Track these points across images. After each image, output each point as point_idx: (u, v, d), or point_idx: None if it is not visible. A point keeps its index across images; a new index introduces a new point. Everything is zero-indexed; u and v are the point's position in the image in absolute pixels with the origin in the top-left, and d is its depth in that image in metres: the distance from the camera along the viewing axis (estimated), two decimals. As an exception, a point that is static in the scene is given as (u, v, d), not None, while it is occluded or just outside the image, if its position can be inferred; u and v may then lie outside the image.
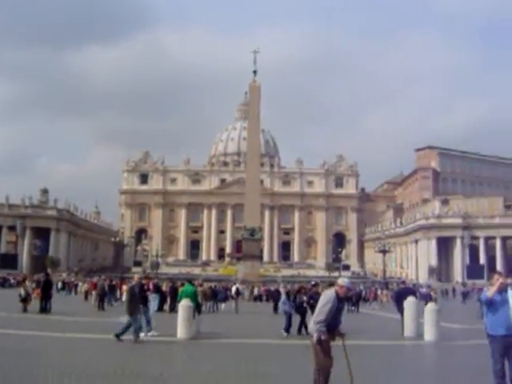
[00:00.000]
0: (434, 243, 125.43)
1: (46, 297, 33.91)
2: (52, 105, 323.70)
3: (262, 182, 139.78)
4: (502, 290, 11.77)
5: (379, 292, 64.50)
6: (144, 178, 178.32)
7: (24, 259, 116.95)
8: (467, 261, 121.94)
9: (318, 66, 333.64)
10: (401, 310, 25.47)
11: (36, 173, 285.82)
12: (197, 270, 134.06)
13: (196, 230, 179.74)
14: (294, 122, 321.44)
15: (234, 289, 51.43)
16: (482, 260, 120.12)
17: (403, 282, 40.01)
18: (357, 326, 28.23)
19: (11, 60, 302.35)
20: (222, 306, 46.07)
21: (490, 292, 11.80)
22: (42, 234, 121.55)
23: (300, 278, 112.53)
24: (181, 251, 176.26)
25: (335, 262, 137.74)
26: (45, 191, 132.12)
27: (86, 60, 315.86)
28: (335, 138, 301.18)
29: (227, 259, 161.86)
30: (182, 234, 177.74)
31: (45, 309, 33.43)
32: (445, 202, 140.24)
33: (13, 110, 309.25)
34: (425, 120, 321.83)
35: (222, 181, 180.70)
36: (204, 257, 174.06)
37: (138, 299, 21.49)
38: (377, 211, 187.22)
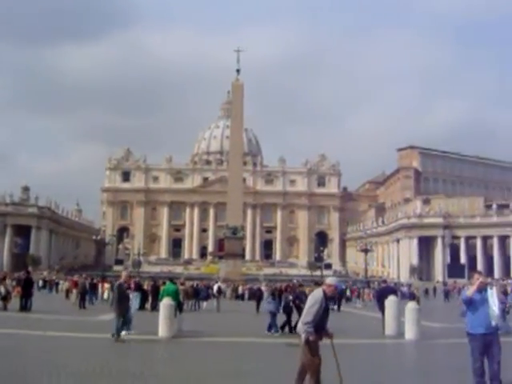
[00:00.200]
0: (415, 242, 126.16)
1: (26, 295, 33.66)
2: (33, 102, 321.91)
3: (244, 180, 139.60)
4: (482, 289, 11.88)
5: (363, 291, 64.78)
6: (126, 176, 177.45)
7: (4, 257, 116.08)
8: (448, 260, 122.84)
9: (301, 65, 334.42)
10: (382, 308, 25.59)
11: (17, 170, 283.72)
12: (179, 269, 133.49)
13: (178, 228, 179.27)
14: (277, 121, 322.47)
15: (215, 287, 51.40)
16: (463, 259, 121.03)
17: (384, 281, 40.26)
18: (338, 324, 28.26)
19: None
20: (204, 304, 46.04)
21: (469, 291, 11.90)
22: (22, 231, 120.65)
23: (282, 276, 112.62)
24: (163, 250, 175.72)
25: (317, 261, 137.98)
26: (26, 189, 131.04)
27: (69, 57, 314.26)
28: (318, 137, 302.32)
29: (209, 258, 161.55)
30: (164, 232, 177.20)
31: (25, 307, 33.18)
32: (426, 202, 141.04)
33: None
34: (407, 120, 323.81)
35: (205, 179, 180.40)
36: (186, 255, 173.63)
37: (127, 297, 21.43)
38: (359, 210, 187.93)
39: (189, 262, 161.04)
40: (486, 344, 11.67)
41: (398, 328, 24.15)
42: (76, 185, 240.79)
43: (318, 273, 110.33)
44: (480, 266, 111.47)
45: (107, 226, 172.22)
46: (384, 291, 27.63)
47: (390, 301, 24.88)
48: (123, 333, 21.82)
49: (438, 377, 14.38)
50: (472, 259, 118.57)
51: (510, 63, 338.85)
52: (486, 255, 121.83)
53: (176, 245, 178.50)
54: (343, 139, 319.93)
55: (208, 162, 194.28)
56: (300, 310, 24.13)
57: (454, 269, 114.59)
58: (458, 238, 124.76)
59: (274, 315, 25.16)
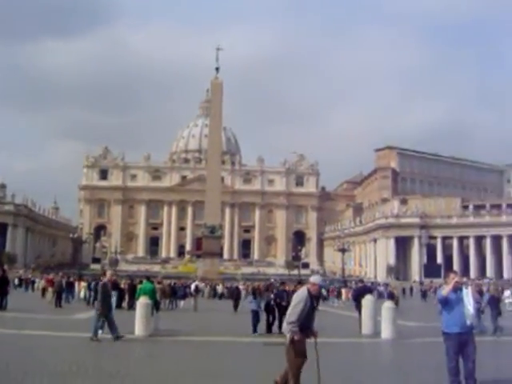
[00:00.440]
0: (392, 242, 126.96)
1: (1, 293, 33.28)
2: (8, 99, 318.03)
3: (222, 179, 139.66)
4: (457, 288, 11.96)
5: (343, 290, 64.99)
6: (104, 174, 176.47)
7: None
8: (425, 260, 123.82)
9: (281, 65, 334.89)
10: (359, 308, 25.72)
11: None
12: (156, 268, 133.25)
13: (156, 226, 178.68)
14: (256, 120, 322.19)
15: (193, 286, 51.32)
16: (439, 259, 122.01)
17: (361, 281, 40.39)
18: (315, 323, 28.35)
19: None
20: (181, 303, 45.95)
21: (444, 291, 11.97)
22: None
23: (260, 275, 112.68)
24: (140, 248, 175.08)
25: (295, 260, 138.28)
26: (2, 186, 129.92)
27: (46, 54, 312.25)
28: (297, 136, 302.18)
29: (187, 256, 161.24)
30: (141, 230, 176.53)
31: (0, 306, 32.85)
32: (403, 202, 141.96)
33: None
34: (385, 120, 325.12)
35: (183, 178, 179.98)
36: (164, 254, 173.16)
37: (110, 297, 21.30)
38: (336, 210, 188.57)
39: (166, 260, 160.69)
40: (461, 343, 11.74)
41: (375, 327, 24.27)
42: (54, 183, 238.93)
43: (295, 272, 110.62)
44: (456, 265, 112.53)
45: (84, 224, 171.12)
46: (361, 291, 27.79)
47: (367, 300, 25.01)
48: (100, 331, 21.68)
49: (413, 375, 14.46)
50: (448, 259, 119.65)
51: (488, 64, 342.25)
52: (462, 255, 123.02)
53: (153, 243, 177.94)
54: (322, 139, 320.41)
55: (186, 161, 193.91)
56: (281, 309, 24.18)
57: (431, 268, 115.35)
58: (434, 238, 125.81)
59: (256, 314, 25.05)
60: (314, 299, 10.86)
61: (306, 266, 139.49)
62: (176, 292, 45.72)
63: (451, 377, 11.84)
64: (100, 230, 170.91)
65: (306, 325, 10.53)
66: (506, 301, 48.39)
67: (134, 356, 17.81)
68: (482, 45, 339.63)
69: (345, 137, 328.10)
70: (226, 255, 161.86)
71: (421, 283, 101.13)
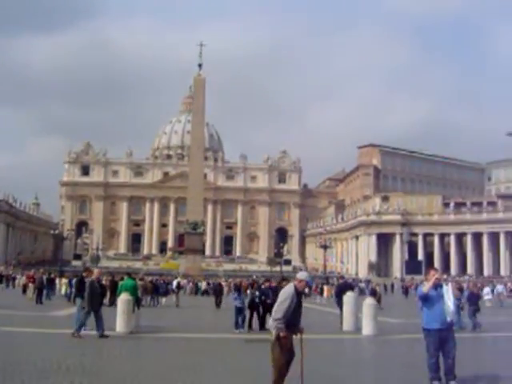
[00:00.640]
0: (374, 239, 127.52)
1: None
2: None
3: (205, 176, 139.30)
4: (438, 285, 12.04)
5: (325, 287, 65.10)
6: (85, 170, 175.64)
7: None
8: (406, 257, 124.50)
9: (264, 62, 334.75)
10: (340, 304, 25.79)
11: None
12: (138, 264, 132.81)
13: (138, 223, 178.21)
14: (239, 117, 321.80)
15: (175, 283, 51.22)
16: (420, 256, 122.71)
17: (342, 277, 40.49)
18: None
19: None
20: (163, 300, 45.81)
21: (425, 287, 12.06)
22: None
23: (242, 272, 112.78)
24: (122, 245, 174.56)
25: (277, 257, 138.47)
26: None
27: (27, 49, 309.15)
28: (280, 133, 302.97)
29: (169, 253, 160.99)
30: (123, 227, 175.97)
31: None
32: (385, 199, 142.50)
33: None
34: (368, 118, 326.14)
35: (165, 174, 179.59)
36: (146, 250, 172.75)
37: (99, 293, 21.15)
38: (319, 207, 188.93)
39: (148, 257, 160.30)
40: (441, 339, 11.83)
41: (356, 323, 24.35)
42: (35, 179, 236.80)
43: (277, 268, 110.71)
44: (437, 262, 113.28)
45: (66, 220, 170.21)
46: (342, 287, 27.87)
47: (348, 297, 25.09)
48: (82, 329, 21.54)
49: (394, 371, 14.54)
50: (429, 256, 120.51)
51: (469, 64, 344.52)
52: (443, 252, 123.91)
53: (135, 240, 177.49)
54: (305, 136, 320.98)
55: (169, 157, 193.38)
56: (266, 306, 24.16)
57: (412, 265, 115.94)
58: (415, 235, 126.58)
59: (240, 311, 24.91)
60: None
61: (288, 262, 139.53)
62: (158, 289, 45.57)
63: (431, 373, 11.92)
64: (81, 227, 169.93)
65: (292, 322, 10.49)
66: (486, 298, 48.80)
67: (114, 353, 17.72)
68: (463, 45, 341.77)
69: (327, 134, 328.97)
70: (208, 252, 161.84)
71: (402, 280, 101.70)
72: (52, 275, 52.96)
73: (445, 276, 74.96)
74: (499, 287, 55.18)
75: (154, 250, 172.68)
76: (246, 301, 25.86)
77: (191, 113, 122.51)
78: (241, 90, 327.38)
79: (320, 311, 40.67)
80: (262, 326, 24.26)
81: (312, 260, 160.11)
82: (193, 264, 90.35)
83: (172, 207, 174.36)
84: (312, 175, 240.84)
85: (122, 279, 32.99)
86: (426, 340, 12.08)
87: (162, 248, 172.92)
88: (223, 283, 57.30)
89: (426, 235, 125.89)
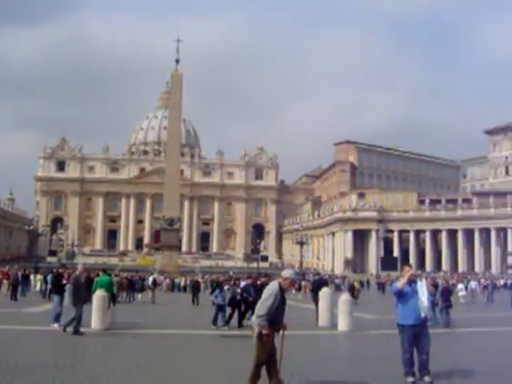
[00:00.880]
0: (350, 235, 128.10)
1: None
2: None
3: (182, 172, 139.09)
4: (412, 281, 12.13)
5: (302, 283, 65.28)
6: (61, 166, 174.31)
7: None
8: (381, 253, 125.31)
9: (242, 59, 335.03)
10: (316, 300, 25.88)
11: None
12: (114, 260, 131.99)
13: (114, 219, 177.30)
14: (217, 113, 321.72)
15: (151, 279, 51.04)
16: (396, 252, 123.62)
17: (318, 274, 40.68)
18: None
19: None
20: (139, 296, 45.65)
21: (399, 283, 12.15)
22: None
23: (218, 268, 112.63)
24: (98, 241, 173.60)
25: (253, 253, 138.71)
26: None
27: (2, 42, 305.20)
28: (257, 130, 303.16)
29: (145, 249, 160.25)
30: (99, 223, 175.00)
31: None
32: (361, 196, 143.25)
33: None
34: (344, 115, 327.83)
35: (142, 170, 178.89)
36: (122, 247, 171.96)
37: (84, 289, 21.01)
38: (295, 203, 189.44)
39: (124, 253, 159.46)
40: (415, 335, 11.93)
41: (332, 319, 24.44)
42: (9, 174, 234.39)
43: (254, 265, 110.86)
44: (412, 259, 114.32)
45: (41, 216, 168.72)
46: (318, 283, 27.99)
47: (324, 293, 25.18)
48: (56, 325, 21.39)
49: (368, 366, 14.62)
50: (405, 252, 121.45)
51: (445, 61, 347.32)
52: (419, 249, 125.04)
53: (111, 236, 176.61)
54: (282, 132, 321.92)
55: (145, 153, 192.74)
56: (247, 303, 24.13)
57: (387, 262, 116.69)
58: (391, 231, 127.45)
59: (221, 308, 24.74)
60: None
61: (264, 259, 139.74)
62: (134, 285, 45.42)
63: (406, 368, 12.02)
64: (57, 223, 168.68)
65: (275, 319, 10.50)
66: (460, 294, 49.25)
67: (89, 349, 17.61)
68: (438, 42, 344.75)
69: (304, 130, 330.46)
70: (184, 248, 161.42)
71: (377, 276, 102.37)
72: (27, 271, 52.57)
73: (419, 272, 75.60)
74: (473, 283, 55.64)
75: (130, 247, 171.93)
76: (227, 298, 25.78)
77: (168, 108, 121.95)
78: (218, 87, 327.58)
79: (297, 307, 40.75)
80: (241, 323, 24.25)
81: (289, 256, 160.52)
82: (169, 260, 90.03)
83: (148, 203, 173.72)
84: (289, 172, 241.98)
85: (97, 275, 32.78)
86: (400, 335, 12.18)
87: (138, 244, 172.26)
88: (200, 280, 57.20)
89: (401, 232, 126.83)
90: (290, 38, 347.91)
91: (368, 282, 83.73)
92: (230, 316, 24.78)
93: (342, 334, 22.55)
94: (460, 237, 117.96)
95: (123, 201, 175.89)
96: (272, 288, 10.62)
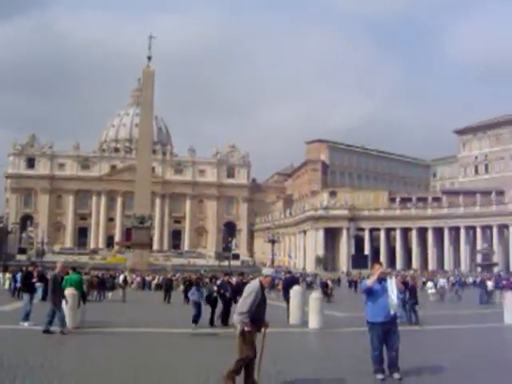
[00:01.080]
0: (321, 234, 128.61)
1: None
2: None
3: (153, 169, 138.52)
4: (382, 279, 12.23)
5: (276, 281, 65.36)
6: (31, 163, 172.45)
7: None
8: (352, 251, 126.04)
9: (216, 57, 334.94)
10: (287, 298, 25.96)
11: None
12: (84, 258, 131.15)
13: (84, 217, 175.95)
14: (190, 110, 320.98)
15: (121, 277, 50.78)
16: (367, 250, 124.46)
17: (289, 272, 40.79)
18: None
19: None
20: (110, 294, 45.37)
21: (369, 281, 12.25)
22: None
23: (190, 267, 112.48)
24: (68, 239, 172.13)
25: (225, 251, 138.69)
26: None
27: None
28: (229, 128, 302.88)
29: (116, 247, 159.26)
30: (69, 221, 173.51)
31: None
32: (333, 194, 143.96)
33: None
34: (316, 114, 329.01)
35: (113, 167, 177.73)
36: (92, 245, 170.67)
37: (62, 288, 20.76)
38: (267, 202, 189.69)
39: (95, 251, 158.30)
40: (384, 332, 12.03)
41: (302, 317, 24.54)
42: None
43: (225, 263, 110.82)
44: (383, 257, 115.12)
45: (10, 213, 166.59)
46: (289, 281, 28.10)
47: (295, 291, 25.26)
48: (26, 324, 21.18)
49: (339, 363, 14.71)
50: (376, 250, 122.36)
51: (417, 62, 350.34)
52: (389, 247, 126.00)
53: (82, 234, 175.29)
54: (254, 131, 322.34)
55: (116, 150, 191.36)
56: (225, 300, 24.13)
57: (358, 260, 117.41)
58: (362, 229, 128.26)
59: (198, 306, 24.64)
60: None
61: (236, 257, 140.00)
62: (104, 283, 45.14)
63: (375, 365, 12.13)
64: (26, 220, 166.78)
65: (257, 316, 10.58)
66: (429, 291, 49.83)
67: (58, 349, 17.45)
68: (411, 44, 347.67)
69: (276, 129, 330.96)
70: (155, 246, 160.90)
71: (348, 274, 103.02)
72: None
73: (389, 270, 76.22)
74: (441, 281, 56.37)
75: (101, 245, 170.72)
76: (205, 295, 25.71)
77: (140, 106, 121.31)
78: (192, 84, 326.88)
79: (269, 305, 40.83)
80: (212, 321, 24.24)
81: (260, 254, 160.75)
82: (140, 258, 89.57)
83: (119, 201, 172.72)
84: (261, 170, 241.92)
85: (67, 274, 32.47)
86: (370, 333, 12.28)
87: (109, 242, 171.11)
88: (174, 278, 57.12)
89: (372, 230, 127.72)
90: (266, 37, 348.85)
91: (339, 279, 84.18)
92: (212, 314, 24.67)
93: (313, 331, 22.65)
94: (430, 235, 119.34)
95: (94, 198, 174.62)
96: (253, 286, 10.75)
